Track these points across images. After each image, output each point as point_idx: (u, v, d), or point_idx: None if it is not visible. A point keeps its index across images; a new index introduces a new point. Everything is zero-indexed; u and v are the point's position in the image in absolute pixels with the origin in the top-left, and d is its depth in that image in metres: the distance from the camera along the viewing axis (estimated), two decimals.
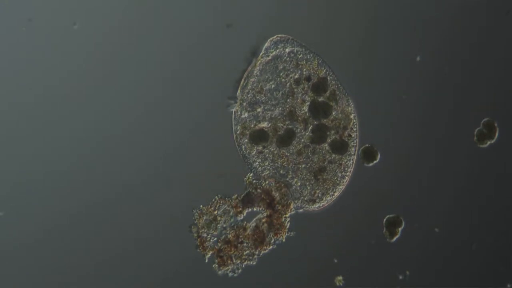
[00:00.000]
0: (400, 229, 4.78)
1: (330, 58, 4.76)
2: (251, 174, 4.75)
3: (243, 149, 4.74)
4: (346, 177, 4.76)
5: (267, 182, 4.75)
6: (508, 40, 4.82)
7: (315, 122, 4.71)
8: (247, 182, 4.75)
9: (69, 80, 4.74)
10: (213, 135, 4.77)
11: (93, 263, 4.75)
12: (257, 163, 4.74)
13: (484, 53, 4.83)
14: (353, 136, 4.73)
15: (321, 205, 4.76)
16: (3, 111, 4.73)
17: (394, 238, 4.78)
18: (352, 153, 4.76)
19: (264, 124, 4.68)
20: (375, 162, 4.77)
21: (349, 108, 4.74)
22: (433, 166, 4.83)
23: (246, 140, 4.72)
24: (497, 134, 4.83)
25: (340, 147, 4.72)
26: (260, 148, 4.70)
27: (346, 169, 4.74)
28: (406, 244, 4.80)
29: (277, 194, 4.74)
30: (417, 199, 4.82)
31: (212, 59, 4.75)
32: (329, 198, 4.75)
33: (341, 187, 4.75)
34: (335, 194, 4.76)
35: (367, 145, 4.77)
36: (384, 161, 4.79)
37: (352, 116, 4.75)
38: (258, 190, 4.75)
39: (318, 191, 4.74)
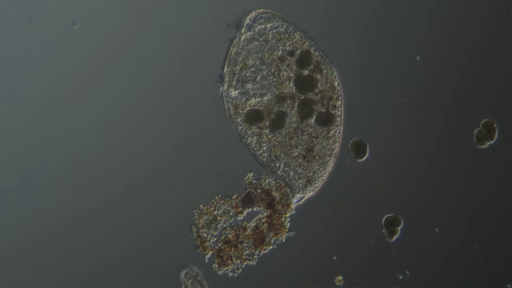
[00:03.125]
0: (399, 228, 4.78)
1: (330, 58, 4.78)
2: (251, 174, 4.75)
3: (239, 129, 4.71)
4: (336, 149, 4.72)
5: (267, 181, 4.75)
6: (508, 40, 4.83)
7: (302, 97, 4.67)
8: (247, 182, 4.75)
9: (69, 80, 4.74)
10: (212, 135, 4.78)
11: (93, 263, 4.74)
12: (253, 143, 4.70)
13: (484, 53, 4.84)
14: (338, 104, 4.69)
15: (318, 182, 4.72)
16: (2, 111, 4.72)
17: (394, 238, 4.78)
18: (338, 123, 4.72)
19: (255, 100, 4.63)
20: (365, 157, 4.75)
21: (333, 76, 4.69)
22: (432, 167, 4.84)
23: (240, 119, 4.68)
24: (496, 135, 4.83)
25: (326, 120, 4.67)
26: (256, 129, 4.67)
27: (334, 139, 4.69)
28: (406, 244, 4.80)
29: (277, 194, 4.74)
30: (416, 199, 4.82)
31: (211, 58, 4.76)
32: (323, 172, 4.71)
33: (332, 160, 4.72)
34: (327, 170, 4.72)
35: (355, 139, 4.76)
36: (383, 161, 4.80)
37: (336, 84, 4.71)
38: (258, 190, 4.74)
39: (310, 172, 4.71)
